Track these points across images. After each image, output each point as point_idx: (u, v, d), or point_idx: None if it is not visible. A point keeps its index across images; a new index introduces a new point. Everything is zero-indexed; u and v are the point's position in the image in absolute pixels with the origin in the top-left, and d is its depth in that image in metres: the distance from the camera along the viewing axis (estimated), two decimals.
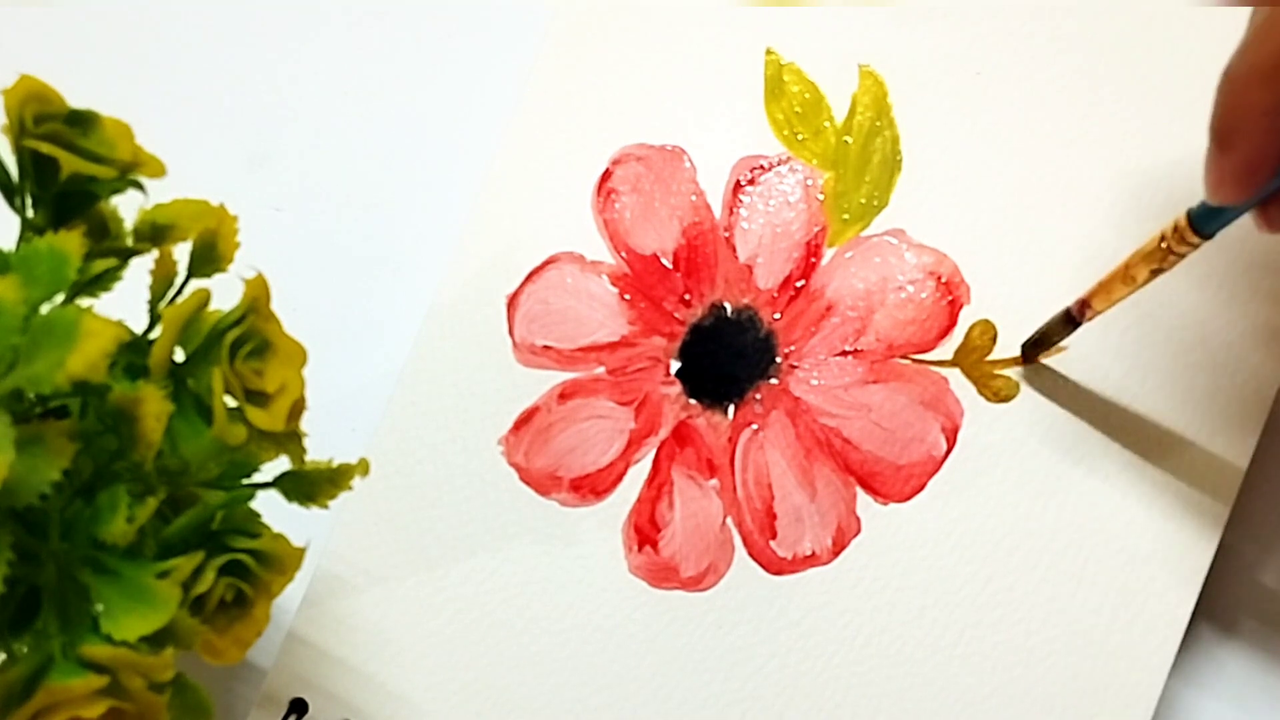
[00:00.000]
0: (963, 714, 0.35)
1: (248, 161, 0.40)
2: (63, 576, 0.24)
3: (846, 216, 0.37)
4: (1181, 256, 0.30)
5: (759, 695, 0.35)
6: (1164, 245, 0.30)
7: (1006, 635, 0.35)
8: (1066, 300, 0.34)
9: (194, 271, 0.27)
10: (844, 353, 0.37)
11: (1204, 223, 0.29)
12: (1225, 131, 0.26)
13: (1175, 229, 0.30)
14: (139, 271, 0.26)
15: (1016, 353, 0.36)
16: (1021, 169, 0.37)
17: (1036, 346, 0.36)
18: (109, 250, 0.26)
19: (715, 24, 0.39)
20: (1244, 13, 0.26)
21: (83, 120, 0.25)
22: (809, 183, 0.38)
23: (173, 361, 0.24)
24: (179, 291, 0.26)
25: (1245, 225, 0.29)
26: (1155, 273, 0.31)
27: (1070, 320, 0.34)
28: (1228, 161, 0.26)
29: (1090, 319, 0.34)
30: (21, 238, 0.25)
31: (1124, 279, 0.32)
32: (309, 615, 0.36)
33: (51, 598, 0.24)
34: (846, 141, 0.38)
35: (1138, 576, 0.35)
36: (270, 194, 0.40)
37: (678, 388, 0.37)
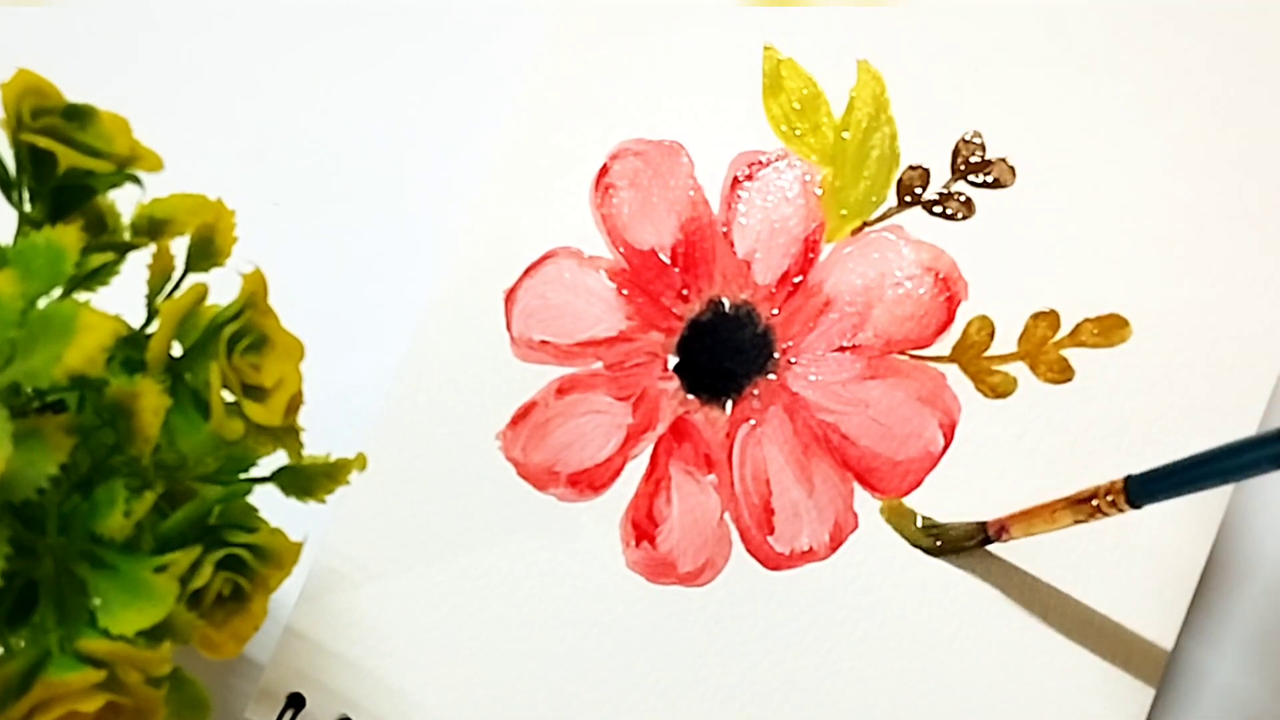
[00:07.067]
0: (961, 708, 0.35)
1: (245, 156, 0.40)
2: (60, 571, 0.24)
3: (844, 212, 0.37)
4: (1106, 516, 0.30)
5: (756, 690, 0.35)
6: (1094, 504, 0.30)
7: (1004, 630, 0.35)
8: (1062, 297, 0.34)
9: (191, 266, 0.27)
10: (842, 348, 0.37)
11: (1139, 496, 0.29)
12: None
13: (1109, 491, 0.30)
14: (136, 266, 0.26)
15: (1014, 348, 0.36)
16: (1018, 164, 0.37)
17: (939, 545, 0.35)
18: (106, 245, 0.26)
19: (714, 19, 0.38)
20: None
21: (80, 114, 0.25)
22: (807, 178, 0.38)
23: (170, 356, 0.24)
24: (176, 286, 0.26)
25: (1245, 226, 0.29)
26: (1078, 522, 0.31)
27: (983, 536, 0.34)
28: None
29: (1005, 541, 0.34)
30: (19, 232, 0.25)
31: (1047, 519, 0.32)
32: (306, 610, 0.36)
33: (49, 592, 0.24)
34: (845, 137, 0.38)
35: (1134, 571, 0.35)
36: (268, 188, 0.39)
37: (675, 383, 0.37)
